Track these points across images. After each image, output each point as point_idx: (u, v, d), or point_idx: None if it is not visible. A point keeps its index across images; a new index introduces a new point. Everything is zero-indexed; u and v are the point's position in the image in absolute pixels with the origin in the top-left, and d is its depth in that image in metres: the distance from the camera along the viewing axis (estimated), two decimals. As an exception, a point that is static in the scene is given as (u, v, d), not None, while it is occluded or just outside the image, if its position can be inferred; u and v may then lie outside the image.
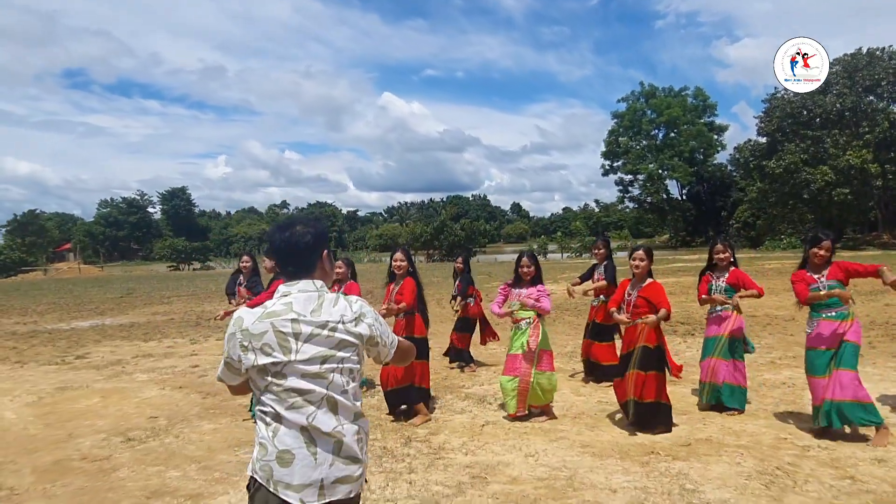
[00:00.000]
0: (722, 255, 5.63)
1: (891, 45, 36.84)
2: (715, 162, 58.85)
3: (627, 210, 68.66)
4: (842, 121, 36.27)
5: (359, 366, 2.03)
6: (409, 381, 5.59)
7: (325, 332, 1.93)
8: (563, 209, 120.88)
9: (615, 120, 60.61)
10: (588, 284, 7.27)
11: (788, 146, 36.95)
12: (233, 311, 5.87)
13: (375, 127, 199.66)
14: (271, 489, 1.91)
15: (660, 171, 57.66)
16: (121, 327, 13.44)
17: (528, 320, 5.56)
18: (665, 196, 59.26)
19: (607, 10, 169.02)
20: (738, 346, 5.55)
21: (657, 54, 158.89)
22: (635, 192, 61.18)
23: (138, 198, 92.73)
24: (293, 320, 1.91)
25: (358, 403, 2.02)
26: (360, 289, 6.08)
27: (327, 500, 1.92)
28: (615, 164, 60.85)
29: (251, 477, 1.99)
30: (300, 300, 1.96)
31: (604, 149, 60.98)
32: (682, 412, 5.46)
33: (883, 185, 34.16)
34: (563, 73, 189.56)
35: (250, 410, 5.74)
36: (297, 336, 1.91)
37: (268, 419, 1.95)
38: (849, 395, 4.57)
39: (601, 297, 6.89)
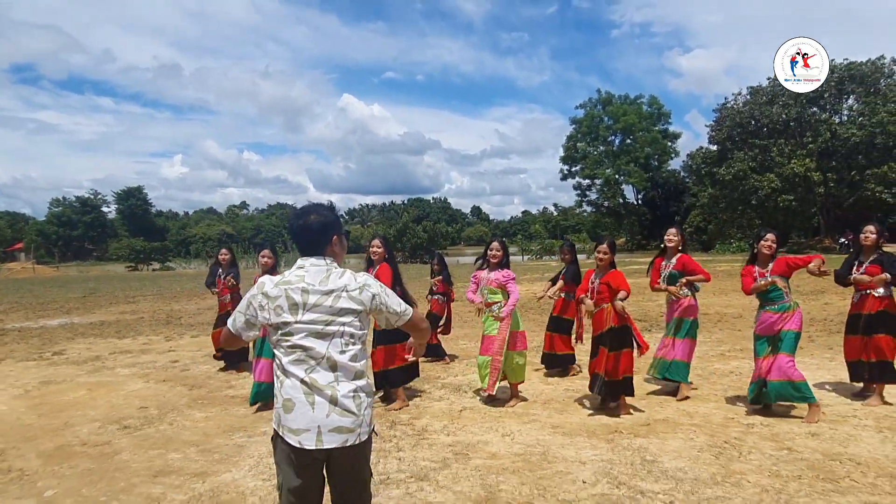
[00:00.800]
0: (672, 238, 6.20)
1: (833, 60, 38.80)
2: (669, 168, 60.65)
3: (585, 214, 70.19)
4: (787, 131, 38.02)
5: (361, 331, 2.33)
6: (390, 365, 5.91)
7: (330, 300, 2.24)
8: (523, 212, 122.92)
9: (573, 126, 61.90)
10: (559, 286, 7.79)
11: (738, 154, 38.52)
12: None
13: (335, 129, 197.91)
14: (280, 433, 2.24)
15: (616, 177, 59.09)
16: (91, 325, 13.39)
17: (499, 304, 6.02)
18: (622, 200, 60.78)
19: (564, 18, 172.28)
20: (685, 325, 6.13)
21: (613, 62, 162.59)
22: (593, 196, 62.56)
23: (92, 197, 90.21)
24: (303, 289, 2.24)
25: (357, 365, 2.29)
26: (391, 272, 5.97)
27: (325, 447, 2.20)
28: (573, 169, 62.09)
29: (274, 429, 2.31)
30: (311, 272, 2.29)
31: (562, 154, 62.20)
32: (640, 397, 5.97)
33: (825, 193, 35.95)
34: (523, 79, 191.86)
35: (251, 402, 6.01)
36: (305, 301, 2.23)
37: (278, 372, 2.29)
38: (783, 375, 5.15)
39: (562, 293, 7.46)
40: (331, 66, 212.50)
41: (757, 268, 5.48)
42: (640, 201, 62.38)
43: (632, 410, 5.56)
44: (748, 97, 41.02)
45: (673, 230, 6.24)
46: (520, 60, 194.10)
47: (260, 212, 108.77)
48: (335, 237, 2.38)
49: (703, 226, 50.81)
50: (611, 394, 5.55)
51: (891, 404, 5.55)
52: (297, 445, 2.20)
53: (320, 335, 2.23)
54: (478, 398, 6.22)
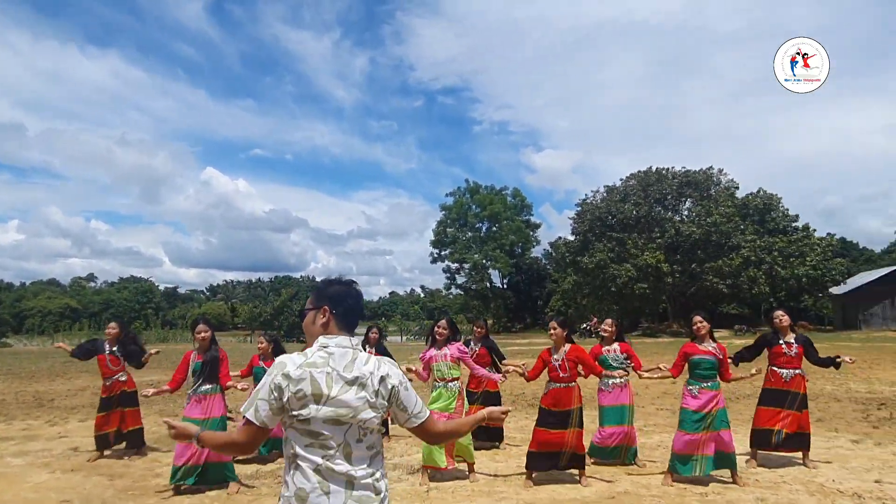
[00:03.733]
0: (607, 329, 7.03)
1: (673, 167, 44.59)
2: (532, 255, 64.68)
3: (451, 296, 72.26)
4: (639, 226, 42.47)
5: (377, 420, 2.18)
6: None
7: (354, 388, 2.12)
8: (390, 293, 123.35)
9: (443, 212, 64.44)
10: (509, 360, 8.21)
11: (598, 245, 42.20)
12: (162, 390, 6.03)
13: (196, 202, 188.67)
14: None
15: (484, 262, 61.79)
16: (-56, 411, 11.62)
17: (456, 382, 6.24)
18: (488, 284, 63.39)
19: (430, 113, 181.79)
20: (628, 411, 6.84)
21: (476, 155, 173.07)
22: (461, 279, 64.73)
23: None
24: (328, 374, 2.11)
25: (372, 451, 2.17)
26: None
27: None
28: (443, 253, 64.15)
29: None
30: (337, 355, 2.16)
31: (433, 238, 64.22)
32: (593, 472, 6.41)
33: (672, 282, 40.20)
34: (391, 165, 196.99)
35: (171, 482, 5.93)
36: (329, 388, 2.09)
37: (289, 456, 2.13)
38: (726, 448, 5.98)
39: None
40: (195, 138, 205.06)
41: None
42: (505, 285, 65.41)
43: (591, 482, 5.99)
44: (605, 194, 45.57)
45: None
46: (388, 147, 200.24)
47: (109, 285, 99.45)
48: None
49: (563, 310, 54.55)
50: (580, 465, 6.00)
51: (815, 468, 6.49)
52: None
53: (338, 423, 2.11)
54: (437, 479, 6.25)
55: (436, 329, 6.43)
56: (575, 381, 6.04)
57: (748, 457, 6.78)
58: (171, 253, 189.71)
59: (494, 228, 63.30)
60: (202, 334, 6.31)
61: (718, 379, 6.10)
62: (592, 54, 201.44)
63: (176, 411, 10.90)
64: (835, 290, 40.88)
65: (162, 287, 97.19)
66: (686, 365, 6.19)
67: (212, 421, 6.08)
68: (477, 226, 64.23)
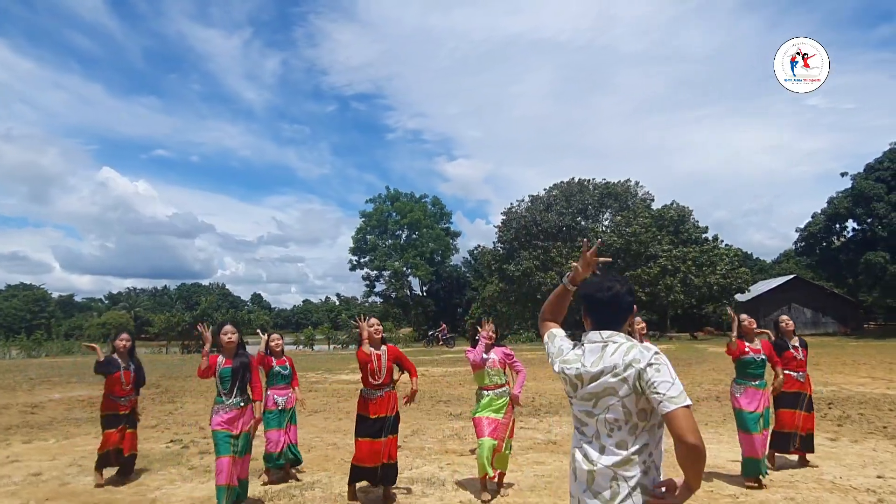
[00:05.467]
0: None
1: (594, 178, 46.26)
2: (452, 263, 64.98)
3: (368, 304, 71.23)
4: (562, 234, 43.63)
5: (624, 413, 2.15)
6: (387, 458, 5.65)
7: (596, 383, 2.22)
8: (304, 301, 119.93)
9: (363, 219, 63.62)
10: None
11: (523, 253, 42.96)
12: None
13: (91, 203, 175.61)
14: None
15: (404, 269, 61.47)
16: None
17: (506, 388, 6.08)
18: (409, 292, 63.07)
19: (344, 118, 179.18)
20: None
21: (390, 162, 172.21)
22: (381, 287, 63.99)
23: None
24: (577, 371, 2.29)
25: (623, 452, 2.15)
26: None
27: None
28: (362, 260, 63.24)
29: None
30: (588, 351, 2.29)
31: (352, 245, 63.21)
32: None
33: (594, 290, 41.52)
34: (303, 170, 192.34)
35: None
36: (580, 379, 2.26)
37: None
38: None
39: None
40: (90, 136, 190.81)
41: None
42: (425, 293, 65.29)
43: None
44: (529, 204, 46.53)
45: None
46: (300, 152, 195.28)
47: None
48: (631, 315, 2.39)
49: (485, 317, 55.16)
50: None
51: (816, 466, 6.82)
52: None
53: (589, 414, 2.25)
54: (459, 491, 6.11)
55: (482, 332, 6.10)
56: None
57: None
58: (62, 258, 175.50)
59: (415, 236, 63.15)
60: (228, 336, 5.77)
61: None
62: (504, 67, 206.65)
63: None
64: (739, 297, 43.73)
65: (55, 295, 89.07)
66: None
67: (243, 436, 5.55)
68: (397, 233, 63.87)
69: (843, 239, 43.88)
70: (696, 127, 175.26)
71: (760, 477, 6.06)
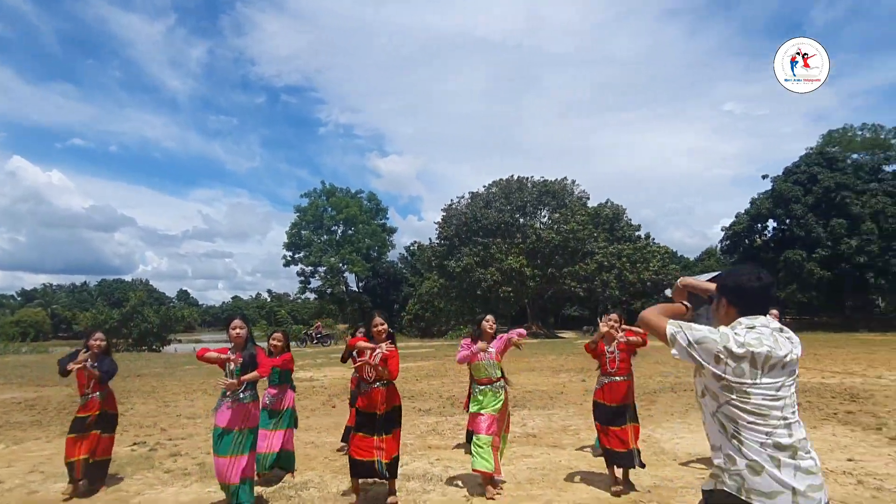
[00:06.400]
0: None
1: (532, 176, 46.99)
2: (388, 259, 64.56)
3: (300, 300, 69.76)
4: (501, 231, 44.12)
5: (795, 390, 2.39)
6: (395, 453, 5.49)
7: (784, 362, 2.31)
8: (233, 297, 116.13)
9: (297, 213, 62.29)
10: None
11: (464, 249, 43.17)
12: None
13: (0, 195, 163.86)
14: (743, 497, 2.21)
15: (340, 265, 60.63)
16: None
17: (501, 381, 6.08)
18: (345, 288, 62.27)
19: (273, 111, 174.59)
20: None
21: (321, 157, 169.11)
22: (316, 283, 62.90)
23: None
24: (766, 351, 2.28)
25: (801, 430, 2.33)
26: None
27: None
28: (297, 256, 61.92)
29: (709, 490, 2.34)
30: (766, 333, 2.33)
31: (286, 240, 61.77)
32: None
33: (533, 286, 42.22)
34: (231, 162, 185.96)
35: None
36: (765, 363, 2.27)
37: (729, 433, 2.28)
38: None
39: None
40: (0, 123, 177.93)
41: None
42: (361, 289, 64.65)
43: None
44: (469, 200, 46.76)
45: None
46: (228, 144, 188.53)
47: None
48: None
49: (420, 313, 55.23)
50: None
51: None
52: None
53: (775, 398, 2.27)
54: (458, 487, 6.08)
55: (484, 323, 6.04)
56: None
57: None
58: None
59: (350, 232, 62.35)
60: (237, 330, 5.59)
61: None
62: (437, 64, 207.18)
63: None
64: (668, 292, 45.46)
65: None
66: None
67: (247, 431, 5.43)
68: (333, 228, 62.89)
69: (764, 238, 46.48)
70: (622, 129, 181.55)
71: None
